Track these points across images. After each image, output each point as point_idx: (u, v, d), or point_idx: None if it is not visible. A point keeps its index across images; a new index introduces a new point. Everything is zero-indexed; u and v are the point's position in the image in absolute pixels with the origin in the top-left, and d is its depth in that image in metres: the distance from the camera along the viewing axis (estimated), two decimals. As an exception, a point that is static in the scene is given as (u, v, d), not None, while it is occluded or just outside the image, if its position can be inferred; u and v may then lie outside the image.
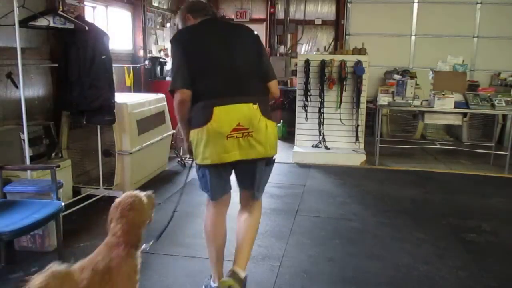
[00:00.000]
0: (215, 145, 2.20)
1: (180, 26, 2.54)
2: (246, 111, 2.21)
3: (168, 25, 7.06)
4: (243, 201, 2.53)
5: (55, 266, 1.56)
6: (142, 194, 2.01)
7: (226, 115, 2.19)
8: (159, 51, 6.74)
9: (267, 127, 2.27)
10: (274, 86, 2.43)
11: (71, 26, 3.69)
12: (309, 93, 5.95)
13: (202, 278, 2.78)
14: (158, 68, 6.46)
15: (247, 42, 2.41)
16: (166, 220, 3.75)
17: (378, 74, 8.06)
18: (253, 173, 2.36)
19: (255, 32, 2.49)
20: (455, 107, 5.52)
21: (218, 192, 2.42)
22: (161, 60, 6.52)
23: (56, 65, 4.03)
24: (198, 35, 2.38)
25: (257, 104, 2.24)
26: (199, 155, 2.27)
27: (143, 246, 2.07)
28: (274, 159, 2.43)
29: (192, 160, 2.41)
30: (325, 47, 8.38)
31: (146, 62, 6.17)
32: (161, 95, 5.19)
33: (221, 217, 2.49)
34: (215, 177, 2.34)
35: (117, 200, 1.97)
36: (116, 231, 1.89)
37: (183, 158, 5.59)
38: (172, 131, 5.34)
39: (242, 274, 2.35)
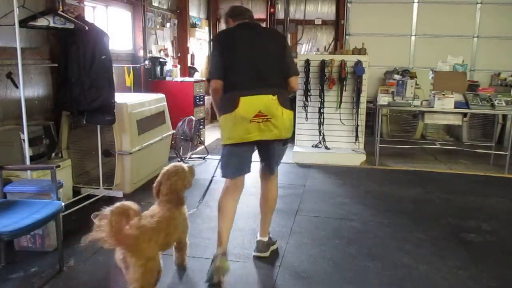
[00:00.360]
0: (240, 127, 2.68)
1: (224, 27, 3.06)
2: (266, 101, 2.66)
3: (168, 25, 7.06)
4: (261, 175, 3.06)
5: (119, 203, 2.16)
6: (185, 165, 2.66)
7: (250, 104, 2.65)
8: (159, 51, 6.74)
9: (283, 114, 2.71)
10: (293, 81, 2.90)
11: (71, 26, 3.70)
12: (309, 93, 5.95)
13: (202, 277, 2.78)
14: (158, 68, 6.46)
15: (273, 44, 2.87)
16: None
17: (378, 74, 8.06)
18: (271, 151, 2.86)
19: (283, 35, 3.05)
20: (455, 107, 5.52)
21: (235, 171, 2.86)
22: (161, 60, 6.51)
23: (56, 65, 4.03)
24: (233, 36, 2.87)
25: (276, 95, 2.68)
26: (224, 136, 2.78)
27: (191, 211, 2.77)
28: (288, 140, 2.88)
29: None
30: (325, 47, 8.39)
31: (146, 62, 6.17)
32: (161, 95, 5.19)
33: (233, 200, 2.91)
34: (235, 156, 2.81)
35: (165, 168, 2.61)
36: (164, 191, 2.55)
37: (183, 158, 5.59)
38: (172, 131, 5.34)
39: (265, 239, 3.13)
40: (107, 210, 2.09)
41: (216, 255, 2.75)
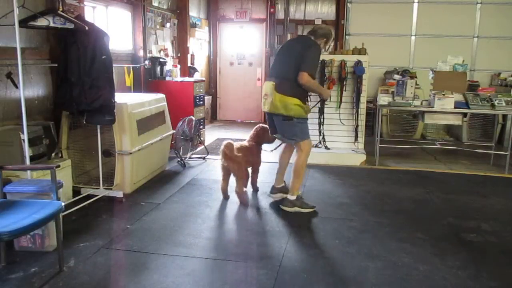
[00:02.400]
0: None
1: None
2: (269, 86, 3.93)
3: (168, 25, 7.06)
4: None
5: (227, 141, 4.03)
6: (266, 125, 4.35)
7: (264, 86, 4.06)
8: (159, 51, 6.74)
9: (275, 96, 3.86)
10: (300, 75, 3.77)
11: (71, 26, 3.69)
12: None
13: (202, 277, 2.79)
14: (158, 68, 6.45)
15: (299, 47, 3.90)
16: (165, 219, 3.78)
17: (378, 74, 8.06)
18: (275, 122, 4.06)
19: (310, 42, 4.00)
20: (455, 107, 5.52)
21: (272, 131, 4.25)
22: (161, 60, 6.51)
23: (56, 65, 4.03)
24: (281, 46, 4.38)
25: (275, 83, 3.87)
26: None
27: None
28: (289, 118, 3.88)
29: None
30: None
31: (146, 62, 6.17)
32: (161, 95, 5.19)
33: (284, 155, 4.33)
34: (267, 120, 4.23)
35: (257, 126, 4.47)
36: (252, 136, 4.42)
37: (183, 158, 5.59)
38: (172, 131, 5.34)
39: (277, 186, 4.36)
40: (223, 145, 3.98)
41: (273, 186, 4.39)
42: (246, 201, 4.21)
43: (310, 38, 4.03)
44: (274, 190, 4.37)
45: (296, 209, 3.99)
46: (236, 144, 4.21)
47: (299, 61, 3.77)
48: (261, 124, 4.43)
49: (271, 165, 5.65)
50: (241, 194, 4.17)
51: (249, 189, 4.54)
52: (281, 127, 3.99)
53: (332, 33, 4.21)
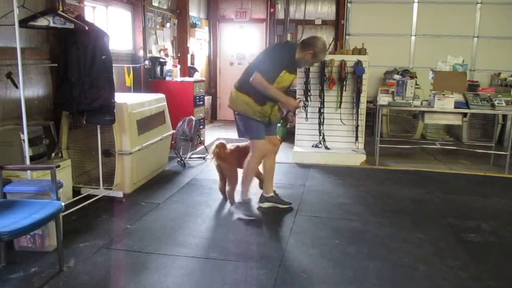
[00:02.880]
0: None
1: None
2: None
3: (168, 25, 7.06)
4: None
5: (220, 140, 4.11)
6: None
7: None
8: (159, 51, 6.74)
9: (232, 92, 3.89)
10: (252, 76, 3.66)
11: (71, 26, 3.68)
12: (309, 93, 5.95)
13: (202, 278, 2.78)
14: (158, 68, 6.45)
15: (266, 51, 4.05)
16: (165, 219, 3.77)
17: (378, 74, 8.06)
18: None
19: (279, 44, 4.56)
20: (455, 107, 5.51)
21: None
22: (161, 60, 6.51)
23: (56, 65, 4.03)
24: None
25: (237, 82, 3.88)
26: None
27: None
28: (239, 114, 3.88)
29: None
30: (325, 47, 8.38)
31: (146, 62, 6.17)
32: (161, 95, 5.19)
33: (268, 156, 4.10)
34: None
35: None
36: (248, 144, 4.07)
37: (183, 158, 5.59)
38: (172, 131, 5.34)
39: (267, 194, 4.12)
40: (214, 144, 4.06)
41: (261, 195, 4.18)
42: (234, 202, 4.11)
43: (290, 44, 3.89)
44: (261, 199, 4.16)
45: (240, 213, 3.92)
46: (231, 145, 4.18)
47: (258, 62, 3.78)
48: None
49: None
50: (231, 194, 4.12)
51: (251, 189, 4.53)
52: (239, 122, 3.97)
53: (324, 49, 3.76)
